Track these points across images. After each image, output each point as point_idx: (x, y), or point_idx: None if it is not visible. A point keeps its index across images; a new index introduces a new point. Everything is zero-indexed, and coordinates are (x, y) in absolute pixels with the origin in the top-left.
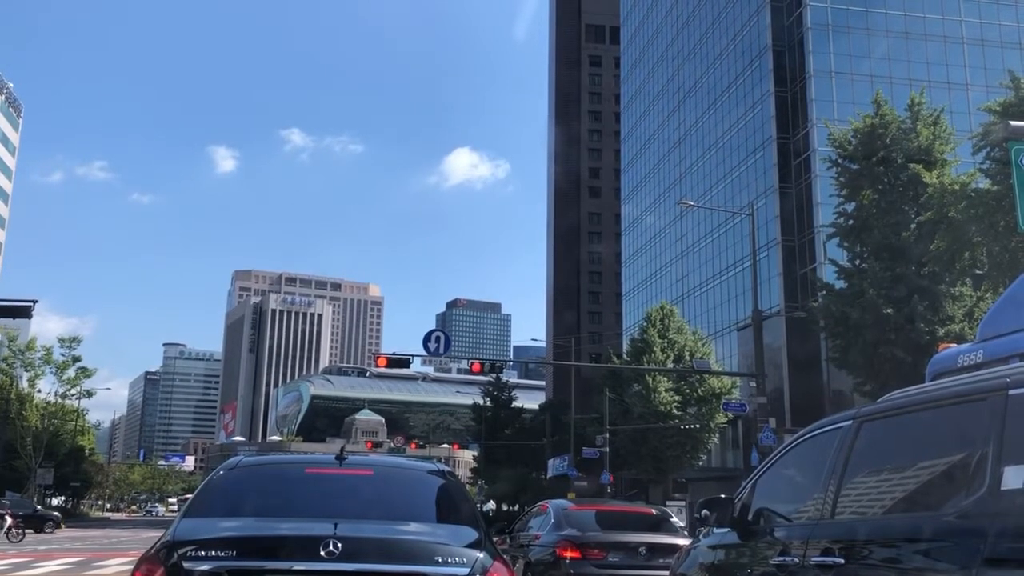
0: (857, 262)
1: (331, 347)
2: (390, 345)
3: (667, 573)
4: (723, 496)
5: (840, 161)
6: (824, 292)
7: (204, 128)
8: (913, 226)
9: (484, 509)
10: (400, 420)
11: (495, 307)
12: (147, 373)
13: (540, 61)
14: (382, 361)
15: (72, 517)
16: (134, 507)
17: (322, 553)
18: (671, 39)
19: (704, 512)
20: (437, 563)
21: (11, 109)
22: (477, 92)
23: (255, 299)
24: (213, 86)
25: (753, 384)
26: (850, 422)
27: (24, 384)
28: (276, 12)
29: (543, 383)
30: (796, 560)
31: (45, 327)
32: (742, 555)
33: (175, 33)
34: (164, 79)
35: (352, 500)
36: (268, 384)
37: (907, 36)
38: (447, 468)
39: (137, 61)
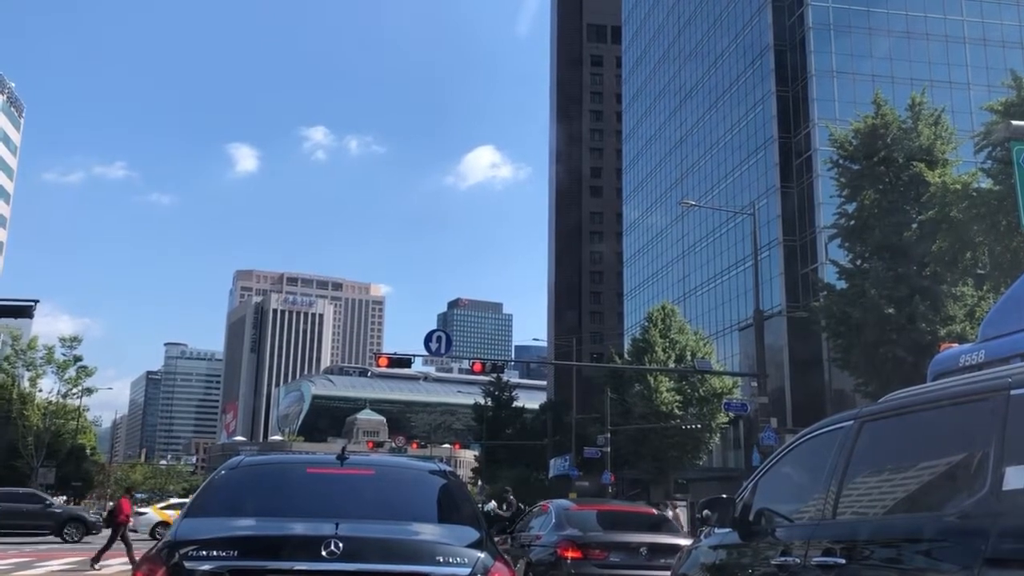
0: (858, 262)
1: (332, 347)
2: (391, 345)
3: (668, 573)
4: (724, 496)
5: (841, 161)
6: (825, 292)
7: (227, 127)
8: (914, 226)
9: (485, 509)
10: (401, 420)
11: (497, 307)
12: (148, 373)
13: (544, 61)
14: (383, 361)
15: None
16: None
17: (323, 553)
18: (673, 39)
19: (705, 512)
20: (438, 563)
21: (13, 109)
22: (482, 91)
23: (256, 299)
24: (231, 86)
25: (754, 384)
26: (852, 422)
27: (25, 384)
28: (282, 13)
29: (544, 383)
30: (797, 560)
31: (56, 327)
32: (743, 555)
33: (202, 38)
34: (185, 80)
35: (353, 500)
36: (269, 384)
37: (909, 36)
38: (448, 468)
39: (160, 62)
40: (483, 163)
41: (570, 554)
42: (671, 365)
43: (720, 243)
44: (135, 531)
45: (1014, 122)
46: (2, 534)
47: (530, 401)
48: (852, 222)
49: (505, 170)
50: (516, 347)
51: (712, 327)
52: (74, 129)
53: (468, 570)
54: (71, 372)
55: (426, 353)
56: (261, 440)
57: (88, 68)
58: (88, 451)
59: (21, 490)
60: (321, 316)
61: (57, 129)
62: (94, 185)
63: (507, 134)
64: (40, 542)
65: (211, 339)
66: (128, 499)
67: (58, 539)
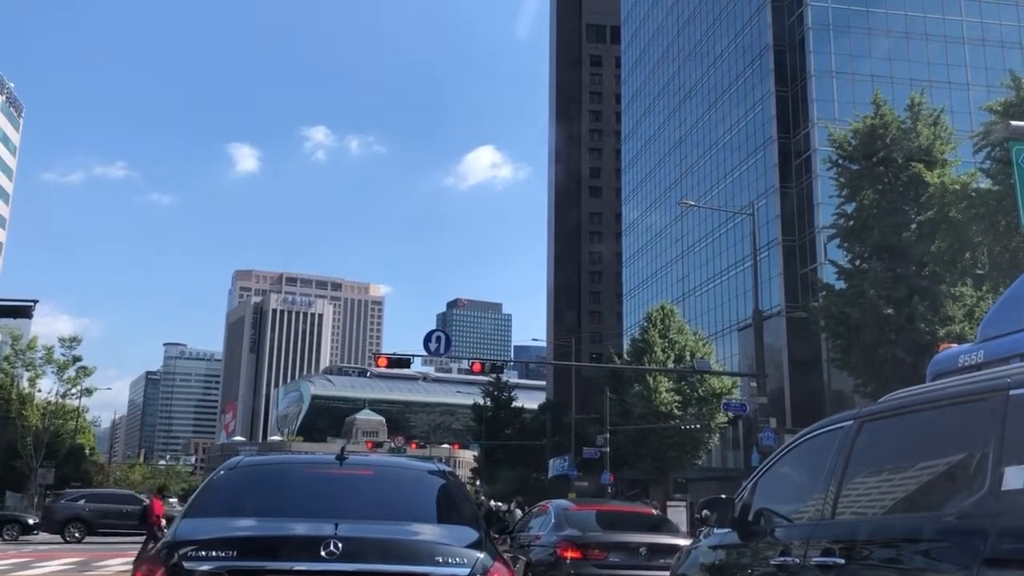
0: (857, 262)
1: (332, 347)
2: (391, 345)
3: (668, 573)
4: (724, 496)
5: (840, 161)
6: (824, 292)
7: (227, 127)
8: (914, 226)
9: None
10: (401, 420)
11: (496, 307)
12: (148, 373)
13: (544, 61)
14: (383, 361)
15: None
16: None
17: (323, 553)
18: (672, 39)
19: (705, 512)
20: (438, 563)
21: (12, 109)
22: (482, 91)
23: (256, 299)
24: (231, 86)
25: (754, 384)
26: (851, 422)
27: (25, 384)
28: (282, 13)
29: (544, 383)
30: (797, 560)
31: (55, 327)
32: (743, 555)
33: (202, 38)
34: (185, 80)
35: (353, 500)
36: (269, 384)
37: (908, 36)
38: (447, 468)
39: (160, 62)
40: (483, 163)
41: (569, 554)
42: (670, 365)
43: (719, 243)
44: None
45: (1013, 122)
46: (103, 534)
47: (529, 401)
48: (851, 222)
49: (505, 170)
50: (515, 347)
51: (711, 327)
52: (74, 129)
53: (467, 570)
54: (70, 372)
55: (425, 353)
56: (260, 440)
57: (88, 68)
58: (87, 451)
59: (120, 492)
60: (320, 316)
61: (57, 129)
62: (94, 185)
63: (507, 134)
64: (122, 542)
65: (210, 339)
66: (160, 499)
67: (153, 541)
